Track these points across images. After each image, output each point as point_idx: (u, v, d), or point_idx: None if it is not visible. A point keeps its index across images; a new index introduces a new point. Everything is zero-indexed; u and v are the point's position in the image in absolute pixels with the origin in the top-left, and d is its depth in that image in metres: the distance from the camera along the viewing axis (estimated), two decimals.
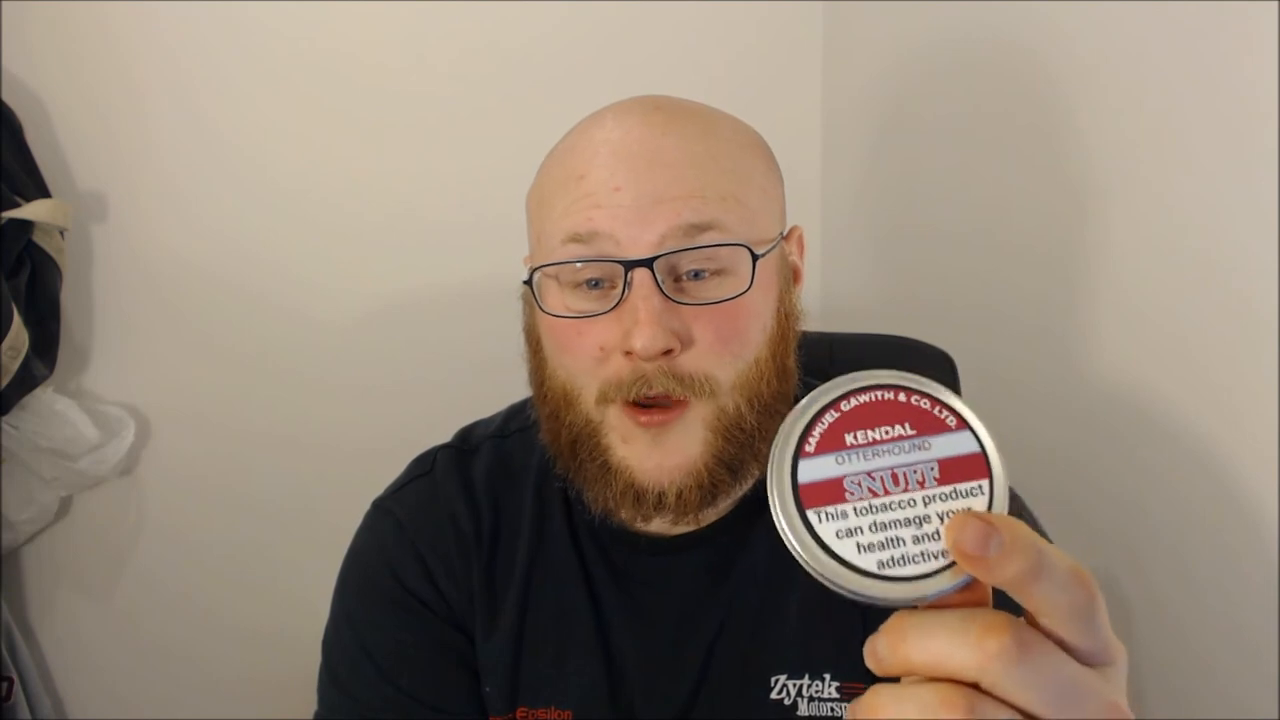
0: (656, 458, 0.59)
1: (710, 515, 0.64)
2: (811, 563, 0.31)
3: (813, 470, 0.32)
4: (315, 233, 1.32)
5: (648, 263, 0.56)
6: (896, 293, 1.32)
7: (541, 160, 0.66)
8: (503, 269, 1.37)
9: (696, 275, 0.58)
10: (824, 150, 1.43)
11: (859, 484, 0.32)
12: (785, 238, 0.65)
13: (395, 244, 1.34)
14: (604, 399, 0.60)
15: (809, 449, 0.32)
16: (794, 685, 0.64)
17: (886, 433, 0.32)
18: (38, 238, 1.16)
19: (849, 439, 0.32)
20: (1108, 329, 0.96)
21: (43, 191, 1.18)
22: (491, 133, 1.33)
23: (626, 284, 0.57)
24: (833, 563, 0.31)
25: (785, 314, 0.63)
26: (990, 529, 0.29)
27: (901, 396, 0.33)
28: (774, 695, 0.65)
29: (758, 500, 0.65)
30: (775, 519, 0.32)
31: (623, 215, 0.57)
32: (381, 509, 0.73)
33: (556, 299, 0.60)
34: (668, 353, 0.57)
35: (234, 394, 1.32)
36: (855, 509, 0.31)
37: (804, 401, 0.33)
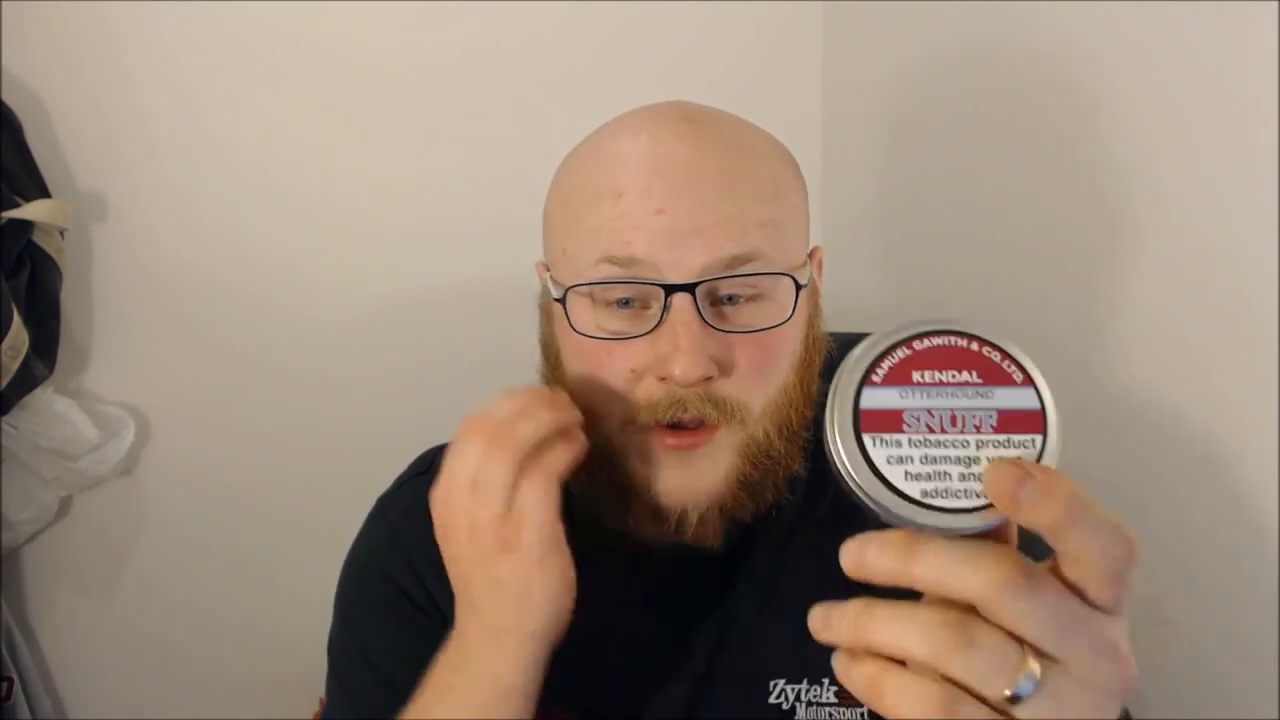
0: (682, 479, 0.59)
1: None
2: (857, 478, 0.32)
3: (876, 399, 0.33)
4: (315, 233, 1.32)
5: (690, 288, 0.55)
6: (898, 297, 1.32)
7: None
8: (503, 269, 1.36)
9: (732, 299, 0.58)
10: (824, 152, 1.42)
11: (918, 419, 0.33)
12: (809, 256, 0.64)
13: (396, 244, 1.34)
14: (631, 421, 0.59)
15: (876, 379, 0.33)
16: (792, 690, 0.64)
17: (953, 376, 0.34)
18: (38, 238, 1.16)
19: (916, 376, 0.33)
20: (1108, 329, 0.96)
21: (43, 191, 1.18)
22: (492, 133, 1.33)
23: (665, 307, 0.56)
24: (878, 483, 0.32)
25: (813, 339, 0.63)
26: (1027, 477, 0.31)
27: (974, 345, 0.34)
28: (773, 699, 0.65)
29: (761, 516, 0.65)
30: (829, 437, 0.33)
31: (663, 241, 0.56)
32: (378, 511, 0.74)
33: (588, 317, 0.59)
34: (706, 380, 0.56)
35: (234, 394, 1.32)
36: (910, 440, 0.33)
37: (878, 335, 0.34)
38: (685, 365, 0.55)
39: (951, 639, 0.31)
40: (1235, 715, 0.84)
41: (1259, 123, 0.77)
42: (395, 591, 0.69)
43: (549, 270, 0.63)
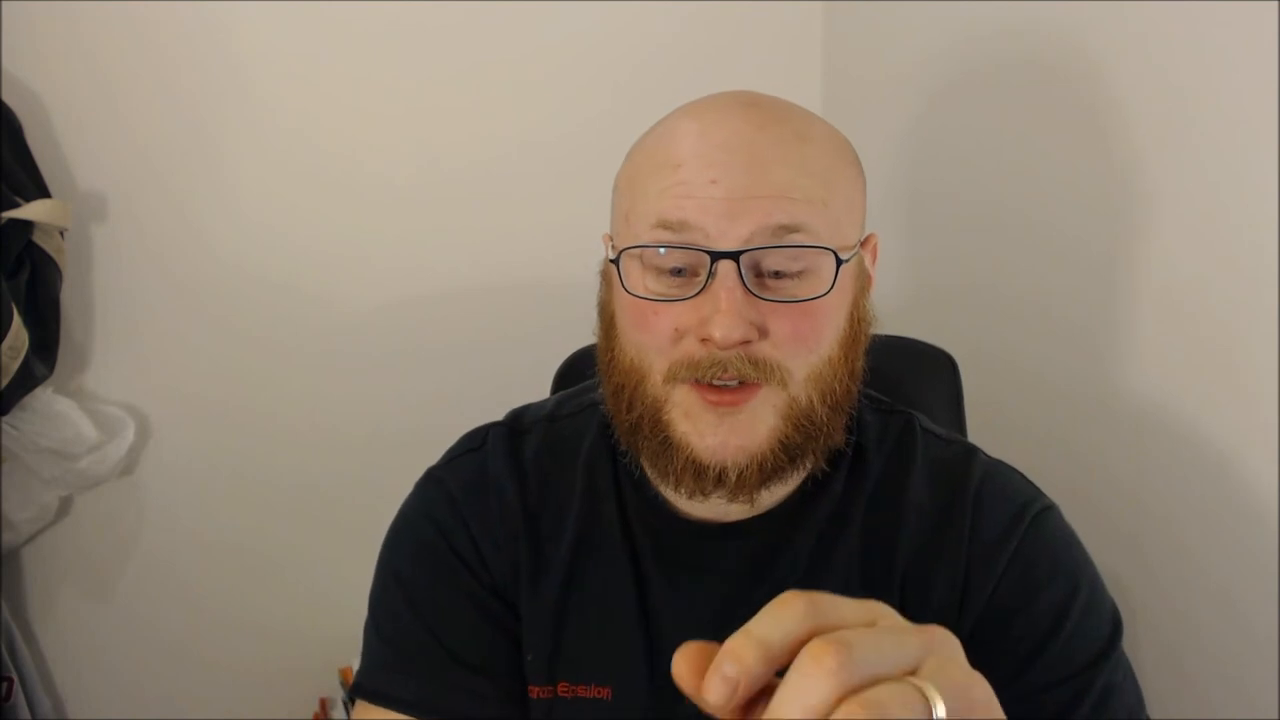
0: (721, 435, 0.60)
1: (761, 503, 0.66)
2: None
3: None
4: (315, 234, 1.32)
5: (734, 255, 0.58)
6: (898, 296, 1.32)
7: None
8: (503, 270, 1.37)
9: (778, 274, 0.60)
10: None
11: None
12: (862, 244, 0.67)
13: (396, 245, 1.34)
14: (672, 377, 0.61)
15: None
16: None
17: None
18: (38, 238, 1.16)
19: None
20: (1111, 330, 0.97)
21: (43, 191, 1.18)
22: (490, 132, 1.33)
23: (711, 274, 0.59)
24: None
25: (858, 318, 0.65)
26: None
27: None
28: None
29: (805, 494, 0.67)
30: None
31: (714, 208, 0.59)
32: (433, 478, 0.75)
33: (638, 279, 0.62)
34: (745, 343, 0.59)
35: (234, 394, 1.32)
36: None
37: None
38: (725, 327, 0.57)
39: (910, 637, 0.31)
40: (1235, 714, 0.84)
41: (1260, 123, 0.78)
42: (448, 549, 0.70)
43: (611, 240, 0.67)
